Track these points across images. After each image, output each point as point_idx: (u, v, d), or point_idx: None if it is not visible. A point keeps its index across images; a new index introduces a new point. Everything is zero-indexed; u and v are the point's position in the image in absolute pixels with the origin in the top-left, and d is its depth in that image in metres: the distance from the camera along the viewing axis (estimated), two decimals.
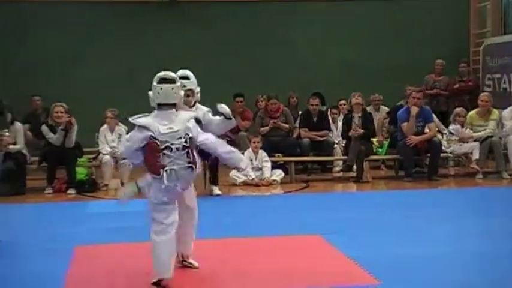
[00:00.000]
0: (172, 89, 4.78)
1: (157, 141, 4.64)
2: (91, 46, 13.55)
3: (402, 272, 5.08)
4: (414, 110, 10.56)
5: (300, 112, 12.08)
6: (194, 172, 4.80)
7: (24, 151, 10.16)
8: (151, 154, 4.65)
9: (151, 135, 4.64)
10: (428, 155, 10.71)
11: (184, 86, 5.05)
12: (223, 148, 4.93)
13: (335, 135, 11.69)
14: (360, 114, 10.83)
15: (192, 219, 5.19)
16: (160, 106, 4.79)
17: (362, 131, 10.62)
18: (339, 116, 11.94)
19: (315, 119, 11.49)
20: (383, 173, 11.67)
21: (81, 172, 10.21)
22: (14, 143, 9.97)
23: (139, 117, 4.77)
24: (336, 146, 11.34)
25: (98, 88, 13.28)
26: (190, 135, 4.74)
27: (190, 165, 4.73)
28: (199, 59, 12.64)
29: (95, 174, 10.51)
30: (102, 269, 5.26)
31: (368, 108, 11.79)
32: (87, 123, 10.55)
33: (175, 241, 4.84)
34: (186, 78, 5.07)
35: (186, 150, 4.70)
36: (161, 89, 4.77)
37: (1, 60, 13.24)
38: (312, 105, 11.53)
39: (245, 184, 10.11)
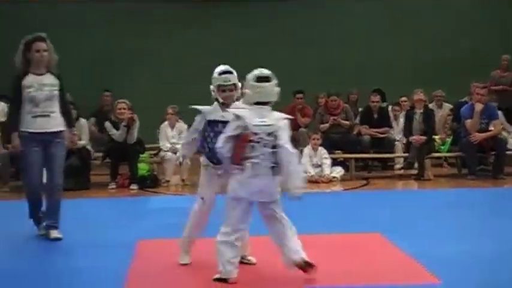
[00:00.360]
0: (271, 87, 4.79)
1: (249, 132, 4.65)
2: (157, 44, 13.87)
3: (464, 271, 4.99)
4: (478, 107, 10.34)
5: (360, 109, 11.99)
6: (276, 177, 4.70)
7: (89, 147, 10.41)
8: (240, 144, 4.65)
9: (245, 125, 4.66)
10: (493, 152, 10.47)
11: (229, 81, 5.11)
12: (294, 165, 4.74)
13: (396, 132, 11.56)
14: (421, 111, 10.66)
15: None
16: (257, 104, 4.76)
17: (424, 138, 10.41)
18: (401, 112, 11.79)
19: (375, 116, 11.39)
20: (445, 171, 11.47)
21: (143, 168, 10.39)
22: (79, 139, 10.23)
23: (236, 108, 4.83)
24: (397, 143, 11.21)
25: (160, 84, 13.53)
26: (278, 133, 4.69)
27: (274, 165, 4.67)
28: (261, 55, 12.72)
29: (156, 170, 10.68)
30: (164, 263, 5.34)
31: (430, 105, 11.61)
32: (150, 120, 10.74)
33: (242, 240, 4.84)
34: (230, 72, 5.12)
35: (274, 149, 4.68)
36: (262, 87, 4.76)
37: (73, 56, 13.68)
38: (373, 101, 11.44)
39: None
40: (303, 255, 4.82)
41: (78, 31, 13.92)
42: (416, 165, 10.53)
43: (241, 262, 5.19)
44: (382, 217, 7.20)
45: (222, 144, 4.71)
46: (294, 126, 9.75)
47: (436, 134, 11.30)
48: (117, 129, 10.14)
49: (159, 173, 10.60)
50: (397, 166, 11.53)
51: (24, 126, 6.18)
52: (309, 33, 14.13)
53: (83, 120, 10.45)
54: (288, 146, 4.71)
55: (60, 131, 6.37)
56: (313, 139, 10.50)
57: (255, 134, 4.64)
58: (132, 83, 13.45)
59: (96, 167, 10.57)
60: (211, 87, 5.16)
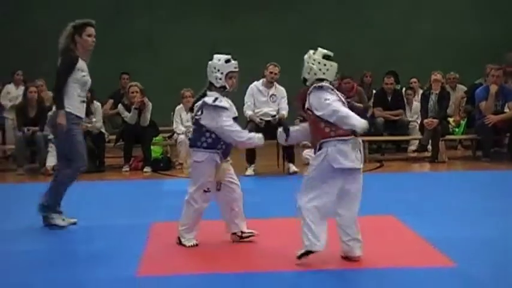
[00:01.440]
0: (335, 67, 4.88)
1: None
2: (174, 27, 13.92)
3: (478, 254, 4.97)
4: (493, 88, 10.26)
5: (374, 91, 11.93)
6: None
7: (103, 129, 10.45)
8: None
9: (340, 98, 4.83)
10: (508, 134, 10.40)
11: (237, 67, 5.31)
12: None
13: (409, 115, 11.51)
14: (437, 92, 10.61)
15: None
16: (319, 80, 4.83)
17: (436, 121, 10.35)
18: (414, 96, 11.75)
19: (389, 98, 11.34)
20: (459, 153, 11.43)
21: (156, 151, 10.43)
22: (90, 122, 10.27)
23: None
24: (411, 124, 11.18)
25: (176, 67, 13.55)
26: None
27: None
28: (275, 38, 12.69)
29: (170, 153, 10.71)
30: (177, 245, 5.37)
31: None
32: (165, 102, 10.76)
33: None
34: (234, 59, 5.28)
35: None
36: (331, 66, 4.86)
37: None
38: (387, 84, 11.38)
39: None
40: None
41: (94, 14, 13.93)
42: (429, 147, 10.49)
43: (243, 240, 5.30)
44: (396, 200, 7.19)
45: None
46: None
47: (450, 116, 11.23)
48: (129, 111, 10.18)
49: (173, 155, 10.63)
50: (411, 148, 11.49)
51: (72, 109, 6.15)
52: (322, 15, 14.06)
53: (96, 103, 10.49)
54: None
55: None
56: None
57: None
58: (149, 65, 13.48)
59: (110, 150, 10.62)
60: (217, 74, 5.21)
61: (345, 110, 4.79)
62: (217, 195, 5.39)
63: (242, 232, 5.42)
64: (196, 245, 5.32)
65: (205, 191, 5.31)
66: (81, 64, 6.20)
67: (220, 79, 5.25)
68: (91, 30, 6.23)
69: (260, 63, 9.98)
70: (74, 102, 6.16)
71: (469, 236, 5.51)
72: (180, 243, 5.35)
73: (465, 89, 12.00)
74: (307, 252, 4.73)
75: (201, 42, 13.81)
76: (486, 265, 4.73)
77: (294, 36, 13.53)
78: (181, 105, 10.66)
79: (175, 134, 10.61)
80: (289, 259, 4.81)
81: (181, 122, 10.58)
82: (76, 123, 6.21)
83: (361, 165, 4.87)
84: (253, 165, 9.47)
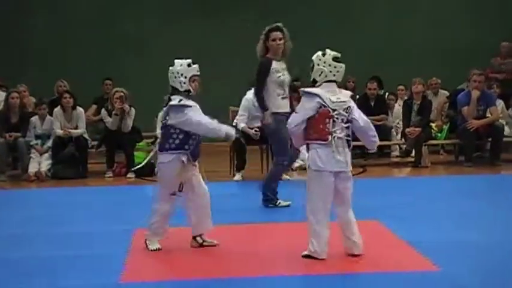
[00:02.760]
0: (344, 69, 5.06)
1: (328, 109, 4.90)
2: (155, 32, 13.91)
3: (461, 259, 5.00)
4: (475, 94, 10.33)
5: (358, 96, 11.96)
6: (349, 150, 5.03)
7: (86, 135, 10.40)
8: (322, 120, 4.91)
9: (322, 103, 4.90)
10: (490, 139, 10.48)
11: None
12: (372, 131, 5.19)
13: (390, 120, 11.56)
14: (419, 102, 10.67)
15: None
16: (328, 82, 5.02)
17: (419, 130, 10.40)
18: (396, 102, 11.82)
19: (372, 103, 11.38)
20: (442, 158, 11.48)
21: (139, 156, 10.37)
22: (76, 128, 10.23)
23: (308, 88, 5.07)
24: (392, 130, 11.22)
25: (158, 73, 13.48)
26: (352, 108, 5.00)
27: (348, 139, 4.99)
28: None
29: (153, 159, 10.65)
30: (161, 251, 5.35)
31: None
32: (148, 108, 10.71)
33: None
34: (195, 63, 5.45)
35: (348, 124, 4.98)
36: (341, 67, 5.04)
37: (73, 44, 13.73)
38: (370, 89, 11.42)
39: (302, 169, 10.09)
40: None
41: (80, 18, 13.91)
42: (413, 152, 10.53)
43: (203, 246, 5.37)
44: (380, 205, 7.20)
45: (297, 123, 4.97)
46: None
47: (432, 121, 11.28)
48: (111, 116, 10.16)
49: (156, 161, 10.57)
50: (394, 153, 11.53)
51: (274, 107, 6.76)
52: (307, 21, 14.07)
53: (79, 109, 10.43)
54: (360, 119, 5.09)
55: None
56: None
57: (334, 110, 4.91)
58: (130, 71, 13.41)
59: (93, 156, 10.56)
60: (181, 79, 5.31)
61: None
62: (186, 201, 5.38)
63: (203, 240, 5.42)
64: (160, 249, 5.33)
65: (171, 194, 5.32)
66: (275, 65, 6.83)
67: (184, 83, 5.34)
68: (275, 34, 6.85)
69: (249, 67, 9.94)
70: (275, 101, 6.80)
71: (453, 240, 5.54)
72: (146, 246, 5.37)
73: (447, 94, 12.07)
74: (310, 256, 4.91)
75: (186, 47, 13.75)
76: (470, 269, 4.75)
77: None
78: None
79: (158, 139, 10.55)
80: (275, 264, 4.81)
81: None
82: (281, 120, 6.63)
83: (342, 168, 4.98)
84: (242, 171, 9.45)
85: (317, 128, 4.90)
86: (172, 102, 5.33)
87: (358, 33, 13.98)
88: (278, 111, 6.81)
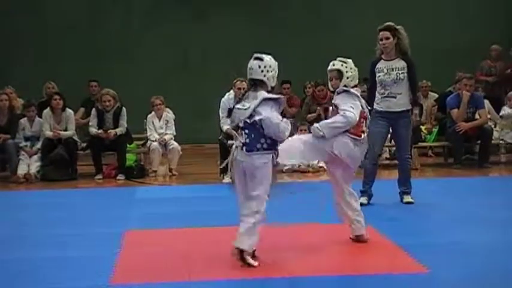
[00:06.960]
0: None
1: (364, 110, 5.56)
2: (145, 34, 13.89)
3: (451, 260, 5.02)
4: (466, 97, 10.38)
5: None
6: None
7: (75, 137, 10.37)
8: (360, 120, 5.47)
9: (362, 105, 5.54)
10: (479, 142, 10.54)
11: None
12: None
13: None
14: None
15: None
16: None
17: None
18: None
19: None
20: (431, 160, 11.53)
21: (130, 158, 10.37)
22: (65, 129, 10.20)
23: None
24: None
25: (147, 75, 13.50)
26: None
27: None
28: (248, 44, 12.71)
29: (143, 161, 10.65)
30: (151, 253, 5.34)
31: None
32: (137, 110, 10.71)
33: None
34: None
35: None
36: (355, 71, 5.61)
37: (60, 46, 13.68)
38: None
39: (292, 171, 10.12)
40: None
41: (69, 22, 13.87)
42: None
43: None
44: (370, 207, 7.23)
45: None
46: (282, 115, 9.73)
47: (422, 124, 11.33)
48: (103, 117, 10.14)
49: (146, 163, 10.57)
50: (383, 156, 11.55)
51: (374, 105, 7.15)
52: (292, 21, 14.10)
53: (69, 111, 10.41)
54: None
55: (405, 110, 7.17)
56: (301, 130, 10.50)
57: (365, 112, 5.60)
58: (119, 73, 13.38)
59: (83, 158, 10.53)
60: (274, 74, 4.99)
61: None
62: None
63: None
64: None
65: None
66: (380, 65, 7.32)
67: (274, 78, 5.00)
68: (381, 34, 7.39)
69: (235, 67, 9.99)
70: (376, 99, 7.23)
71: (442, 242, 5.56)
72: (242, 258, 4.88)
73: (436, 96, 12.13)
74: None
75: (174, 48, 13.79)
76: (459, 271, 4.77)
77: (268, 45, 13.54)
78: (152, 113, 10.59)
79: (148, 141, 10.56)
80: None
81: (155, 129, 10.52)
82: (380, 117, 7.09)
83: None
84: (228, 173, 9.43)
85: (359, 125, 5.44)
86: (265, 95, 4.88)
87: (346, 35, 14.01)
88: (376, 109, 7.23)
